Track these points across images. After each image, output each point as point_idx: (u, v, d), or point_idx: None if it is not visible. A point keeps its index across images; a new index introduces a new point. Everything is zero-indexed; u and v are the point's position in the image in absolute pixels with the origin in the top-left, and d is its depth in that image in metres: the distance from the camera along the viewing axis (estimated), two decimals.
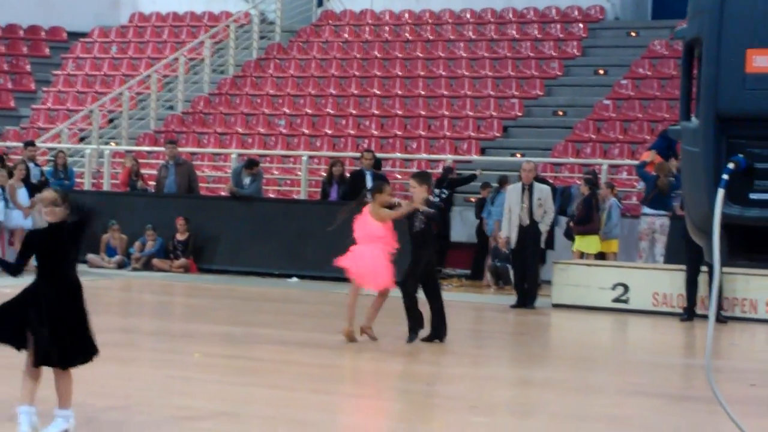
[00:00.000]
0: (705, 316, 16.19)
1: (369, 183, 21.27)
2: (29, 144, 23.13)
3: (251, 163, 22.47)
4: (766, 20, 4.18)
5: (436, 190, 21.56)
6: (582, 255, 19.73)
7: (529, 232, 17.67)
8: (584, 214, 19.66)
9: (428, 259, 13.62)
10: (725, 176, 4.28)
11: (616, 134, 24.76)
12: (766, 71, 4.25)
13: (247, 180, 22.17)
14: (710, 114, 4.35)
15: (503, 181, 21.06)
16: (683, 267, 16.95)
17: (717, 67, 4.33)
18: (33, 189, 21.22)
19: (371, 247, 13.45)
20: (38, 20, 32.26)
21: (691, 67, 4.48)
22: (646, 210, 19.71)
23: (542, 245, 18.27)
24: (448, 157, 23.60)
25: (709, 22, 4.29)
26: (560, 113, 26.08)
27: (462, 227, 22.58)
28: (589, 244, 19.71)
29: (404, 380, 11.64)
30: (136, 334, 14.50)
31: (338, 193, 21.92)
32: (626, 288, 17.79)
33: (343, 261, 13.60)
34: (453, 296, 19.65)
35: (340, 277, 14.18)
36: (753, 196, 4.32)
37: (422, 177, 14.10)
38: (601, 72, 26.88)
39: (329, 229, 14.33)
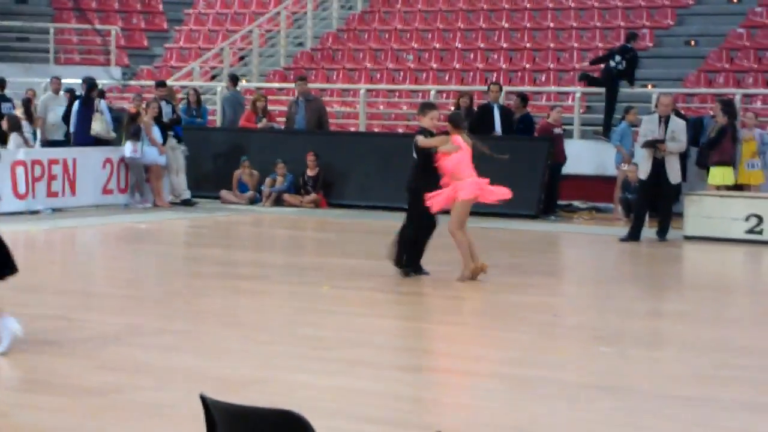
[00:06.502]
0: None
1: (496, 116, 21.21)
2: (160, 84, 23.47)
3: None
4: None
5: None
6: (717, 188, 19.25)
7: (663, 164, 17.35)
8: (715, 141, 19.12)
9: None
10: None
11: (750, 63, 24.21)
12: None
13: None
14: None
15: (628, 111, 20.83)
16: None
17: None
18: (165, 127, 21.63)
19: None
20: None
21: None
22: None
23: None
24: (577, 89, 23.29)
25: None
26: (692, 43, 25.57)
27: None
28: (724, 175, 19.21)
29: (530, 311, 11.63)
30: (268, 267, 14.71)
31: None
32: (760, 219, 17.46)
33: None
34: (582, 229, 19.56)
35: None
36: None
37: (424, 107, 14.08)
38: (735, 0, 26.25)
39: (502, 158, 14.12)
